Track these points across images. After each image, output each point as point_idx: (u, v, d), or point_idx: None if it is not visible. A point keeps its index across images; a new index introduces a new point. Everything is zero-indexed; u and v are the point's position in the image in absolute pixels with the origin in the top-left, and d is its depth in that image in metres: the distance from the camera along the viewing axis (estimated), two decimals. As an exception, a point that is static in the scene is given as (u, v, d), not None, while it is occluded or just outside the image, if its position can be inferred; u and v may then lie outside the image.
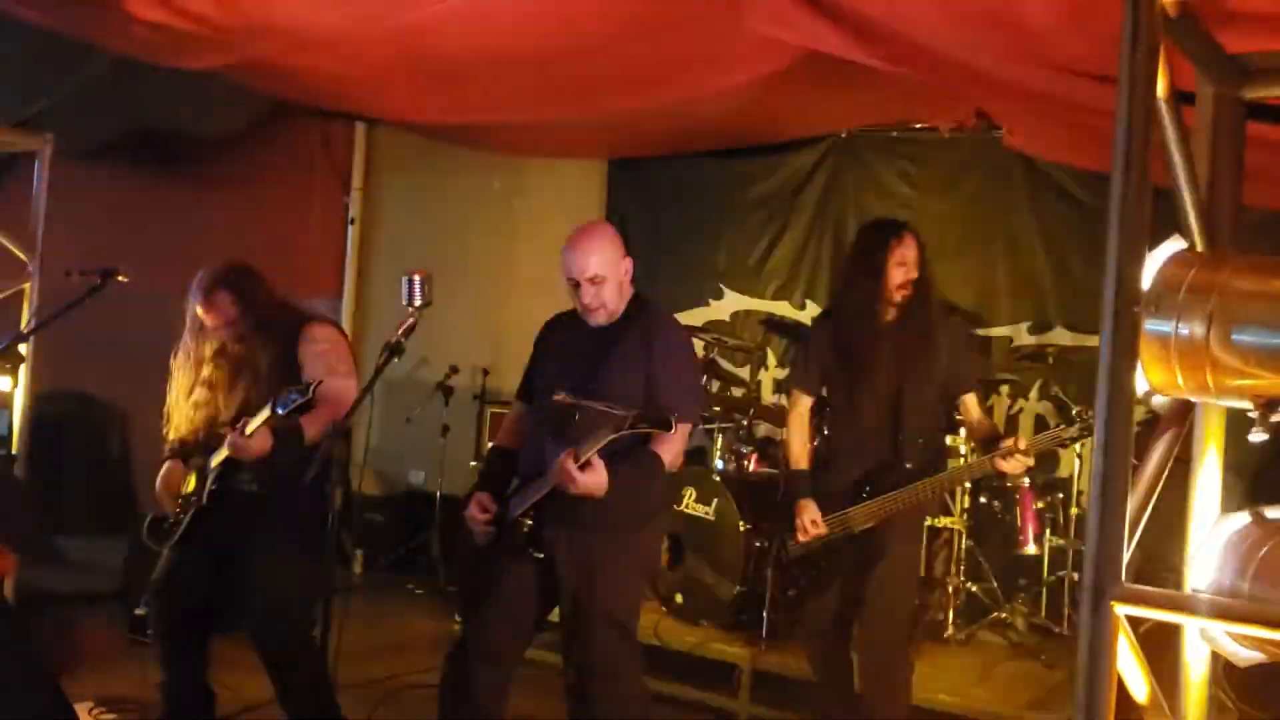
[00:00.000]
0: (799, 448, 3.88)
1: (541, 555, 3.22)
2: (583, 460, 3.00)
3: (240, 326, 3.64)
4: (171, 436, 3.76)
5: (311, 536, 3.36)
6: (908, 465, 3.66)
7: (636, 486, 3.17)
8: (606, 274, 3.26)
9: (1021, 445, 3.49)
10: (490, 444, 3.63)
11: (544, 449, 3.20)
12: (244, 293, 3.66)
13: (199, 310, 3.66)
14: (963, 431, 4.86)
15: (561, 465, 3.02)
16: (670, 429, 2.96)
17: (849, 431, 3.79)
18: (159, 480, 3.76)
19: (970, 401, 3.84)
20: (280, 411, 3.26)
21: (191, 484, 3.66)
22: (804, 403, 3.92)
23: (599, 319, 3.31)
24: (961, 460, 4.83)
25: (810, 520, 3.69)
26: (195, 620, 3.66)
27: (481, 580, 3.34)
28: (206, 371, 3.67)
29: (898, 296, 3.71)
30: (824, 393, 3.94)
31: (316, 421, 3.43)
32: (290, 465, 3.33)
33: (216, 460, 3.56)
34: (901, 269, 3.70)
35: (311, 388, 3.26)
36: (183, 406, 3.72)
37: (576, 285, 3.28)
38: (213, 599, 3.63)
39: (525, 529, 3.20)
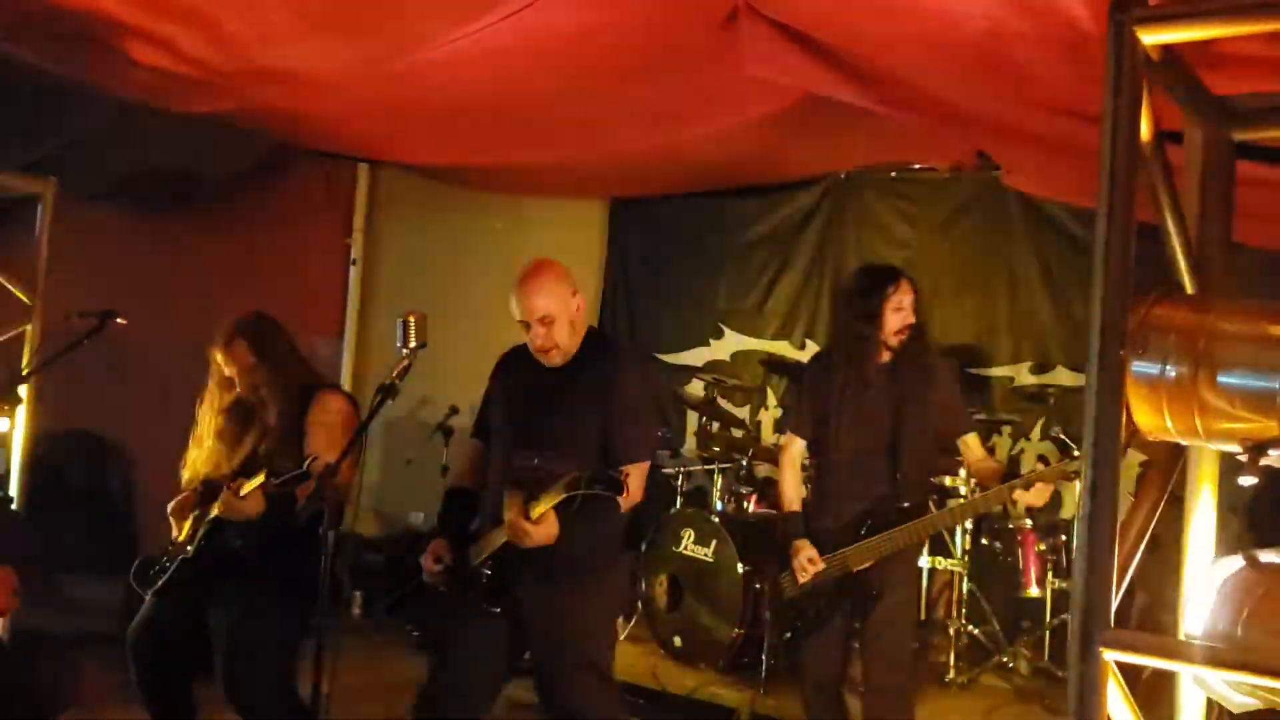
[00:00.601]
0: (792, 490, 3.89)
1: (499, 609, 3.21)
2: (534, 518, 3.00)
3: (255, 376, 3.69)
4: (186, 477, 3.80)
5: (293, 597, 3.39)
6: (905, 505, 3.66)
7: (596, 529, 3.17)
8: (556, 313, 3.24)
9: (1044, 470, 3.47)
10: (448, 486, 3.63)
11: (501, 493, 3.18)
12: (262, 343, 3.72)
13: (219, 357, 3.72)
14: (962, 472, 4.83)
15: (513, 524, 3.03)
16: (621, 492, 2.93)
17: (844, 473, 3.78)
18: (172, 504, 3.78)
19: (972, 442, 3.84)
20: (274, 481, 3.30)
21: (185, 531, 3.66)
22: (797, 445, 3.94)
23: (554, 359, 3.29)
24: (961, 500, 4.80)
25: (808, 559, 3.69)
26: (173, 665, 3.65)
27: (450, 625, 3.32)
28: (220, 423, 3.73)
29: (894, 341, 3.72)
30: (818, 435, 3.94)
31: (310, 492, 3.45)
32: (278, 528, 3.38)
33: (211, 514, 3.57)
34: (899, 314, 3.72)
35: (308, 464, 3.30)
36: (196, 452, 3.77)
37: (528, 329, 3.28)
38: (191, 646, 3.61)
39: (484, 579, 3.20)
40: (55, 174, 5.55)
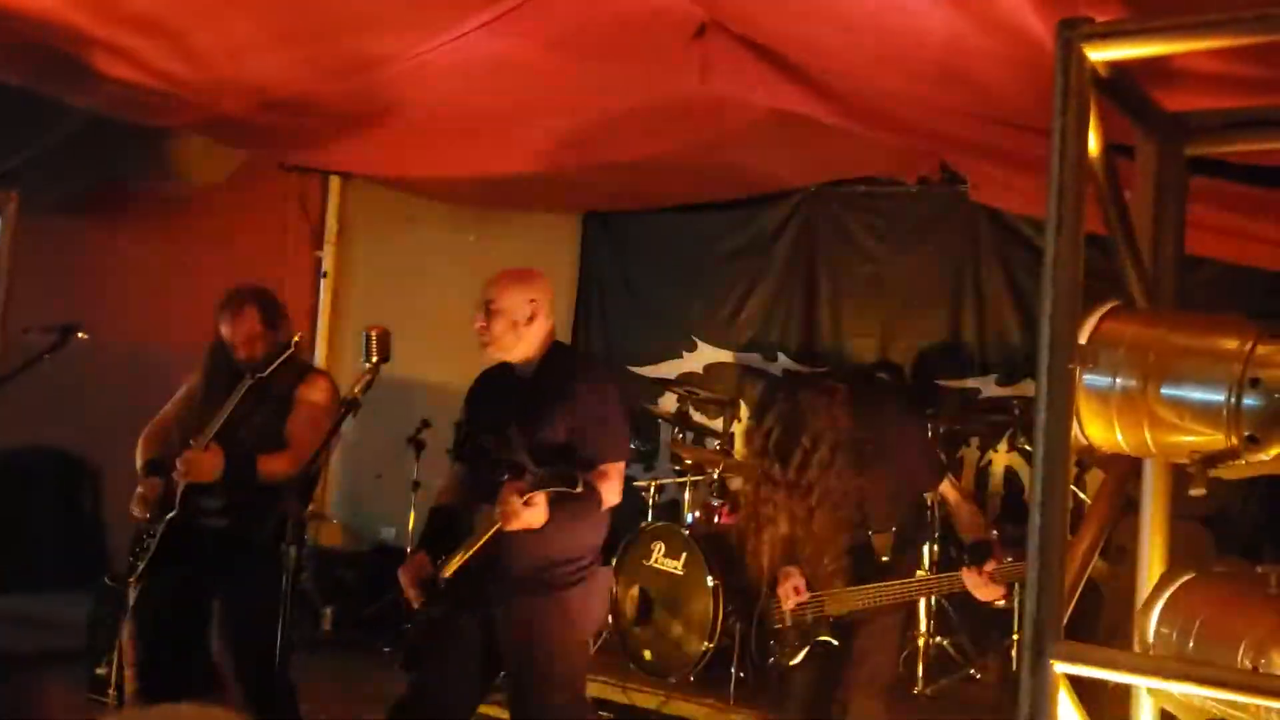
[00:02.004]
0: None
1: (473, 616, 3.21)
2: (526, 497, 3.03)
3: (256, 346, 3.75)
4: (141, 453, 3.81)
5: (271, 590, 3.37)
6: (884, 559, 3.64)
7: (576, 541, 3.20)
8: (502, 308, 3.33)
9: (990, 569, 3.42)
10: (432, 504, 3.64)
11: (480, 511, 3.20)
12: (271, 313, 3.85)
13: (224, 322, 3.81)
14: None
15: (506, 496, 3.04)
16: (576, 486, 3.00)
17: (817, 534, 3.75)
18: (135, 501, 3.74)
19: (947, 492, 3.83)
20: (258, 375, 3.53)
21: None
22: None
23: (492, 351, 3.39)
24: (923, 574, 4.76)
25: (793, 587, 3.68)
26: (177, 640, 3.66)
27: (426, 642, 3.32)
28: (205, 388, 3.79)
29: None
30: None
31: (272, 463, 3.50)
32: (252, 500, 3.40)
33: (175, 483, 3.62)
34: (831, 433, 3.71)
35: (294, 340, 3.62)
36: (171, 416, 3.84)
37: (480, 312, 3.38)
38: (188, 624, 3.64)
39: (458, 589, 3.20)
40: (18, 187, 5.50)
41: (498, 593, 3.21)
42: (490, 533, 3.11)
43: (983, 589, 3.47)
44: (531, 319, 3.36)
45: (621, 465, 3.33)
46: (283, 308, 3.95)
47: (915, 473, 3.80)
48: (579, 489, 3.02)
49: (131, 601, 3.70)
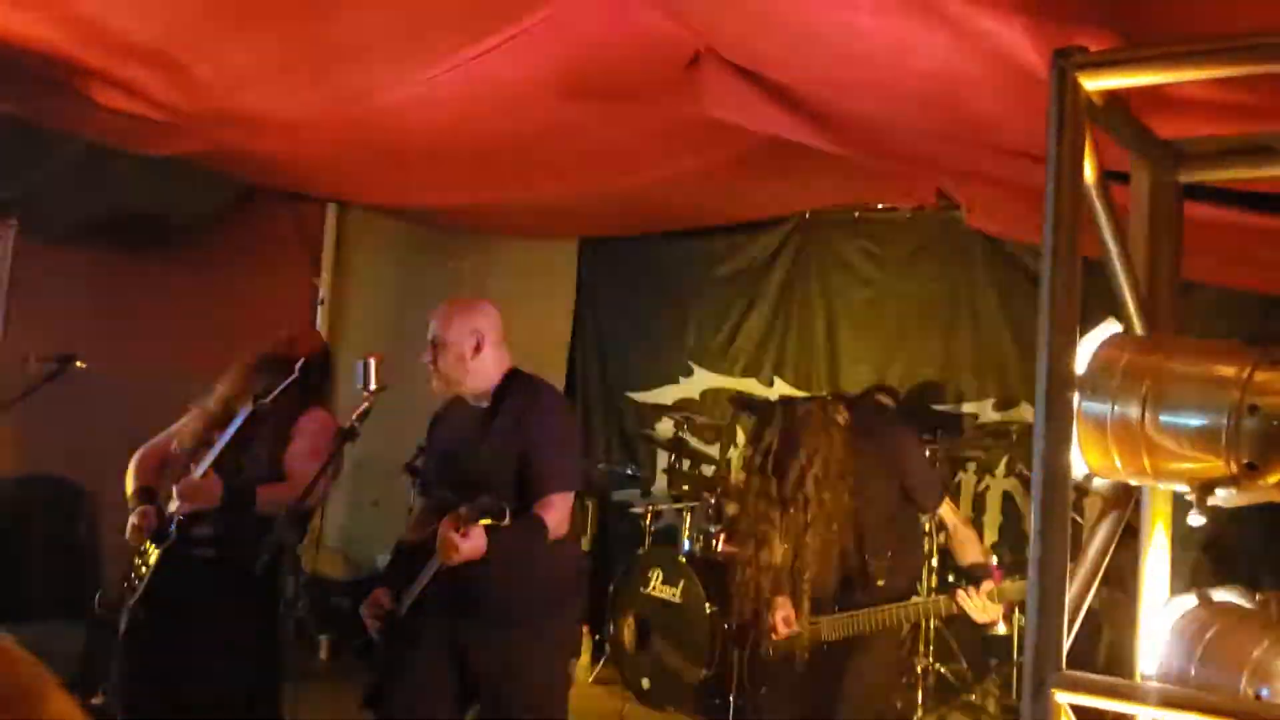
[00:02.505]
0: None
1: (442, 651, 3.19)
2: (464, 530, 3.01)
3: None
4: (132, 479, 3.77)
5: (265, 620, 3.35)
6: (879, 583, 3.63)
7: (543, 572, 3.20)
8: (447, 341, 3.33)
9: (988, 590, 3.42)
10: (398, 539, 3.63)
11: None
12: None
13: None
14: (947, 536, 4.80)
15: (441, 532, 3.03)
16: (503, 518, 2.99)
17: (812, 553, 3.74)
18: (129, 531, 3.69)
19: (946, 515, 3.82)
20: (261, 406, 3.45)
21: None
22: None
23: (440, 387, 3.39)
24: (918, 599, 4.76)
25: (783, 618, 3.66)
26: (163, 673, 3.60)
27: (392, 678, 3.29)
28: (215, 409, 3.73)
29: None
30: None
31: (272, 494, 3.46)
32: (244, 533, 3.36)
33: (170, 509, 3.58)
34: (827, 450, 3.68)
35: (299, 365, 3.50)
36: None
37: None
38: (178, 654, 3.59)
39: (421, 620, 3.17)
40: (17, 215, 5.51)
41: (465, 626, 3.19)
42: (432, 569, 3.11)
43: (980, 611, 3.45)
44: (478, 349, 3.35)
45: (568, 495, 3.27)
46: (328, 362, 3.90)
47: (914, 492, 3.79)
48: (505, 521, 3.00)
49: (122, 630, 3.67)
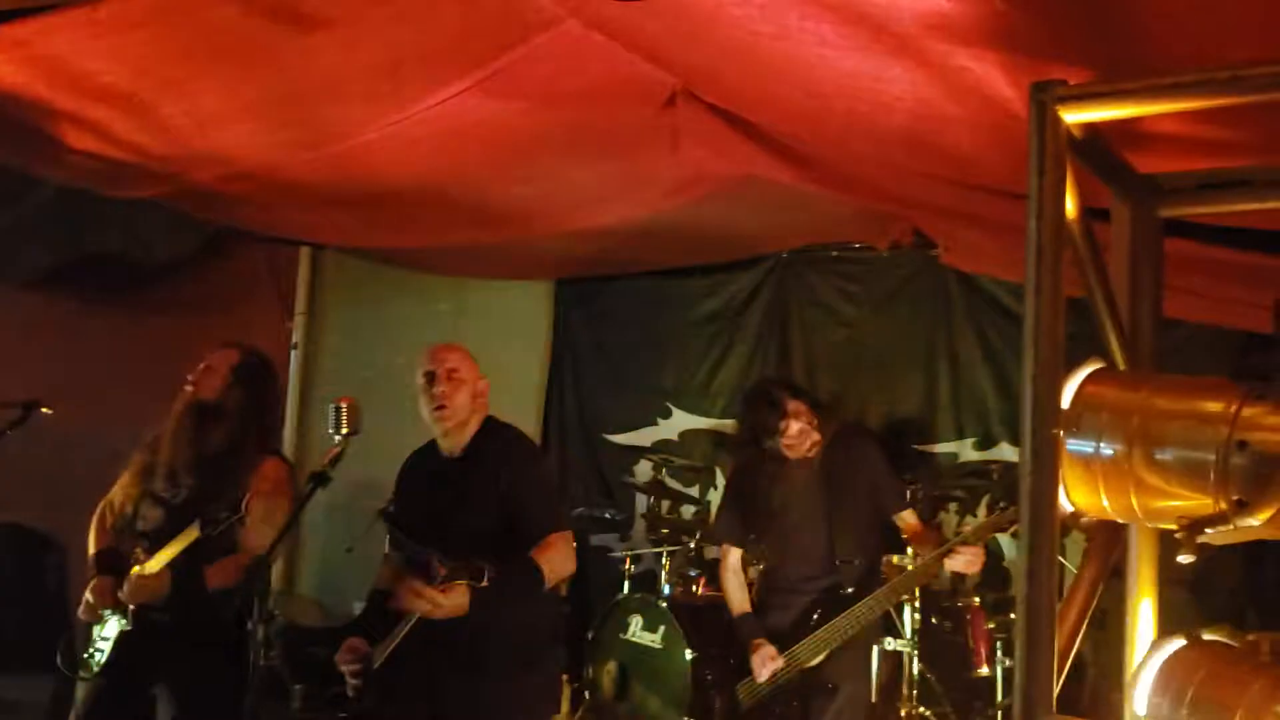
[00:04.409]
0: (737, 595, 3.96)
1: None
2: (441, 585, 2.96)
3: (227, 397, 3.61)
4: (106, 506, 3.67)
5: (235, 674, 3.25)
6: (849, 590, 3.65)
7: (522, 622, 3.13)
8: (465, 376, 3.28)
9: (967, 532, 3.54)
10: (370, 588, 3.54)
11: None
12: (249, 371, 3.71)
13: (201, 367, 3.67)
14: (910, 550, 4.80)
15: (422, 592, 2.97)
16: (482, 580, 2.93)
17: (784, 569, 3.80)
18: (89, 594, 3.57)
19: (908, 517, 3.93)
20: (208, 533, 3.22)
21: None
22: (734, 554, 4.07)
23: (446, 423, 3.27)
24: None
25: (768, 655, 3.69)
26: None
27: None
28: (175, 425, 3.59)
29: (810, 453, 3.80)
30: (753, 535, 3.97)
31: (222, 572, 3.38)
32: (199, 604, 3.32)
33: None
34: (801, 437, 3.76)
35: (244, 502, 3.23)
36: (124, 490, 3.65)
37: (431, 381, 3.26)
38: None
39: (400, 674, 3.10)
40: (-5, 258, 5.45)
41: (442, 679, 3.12)
42: (411, 623, 3.04)
43: (969, 563, 3.56)
44: (481, 394, 3.34)
45: (566, 534, 3.21)
46: (271, 371, 3.89)
47: (879, 493, 3.86)
48: (484, 583, 2.94)
49: (80, 698, 3.55)
